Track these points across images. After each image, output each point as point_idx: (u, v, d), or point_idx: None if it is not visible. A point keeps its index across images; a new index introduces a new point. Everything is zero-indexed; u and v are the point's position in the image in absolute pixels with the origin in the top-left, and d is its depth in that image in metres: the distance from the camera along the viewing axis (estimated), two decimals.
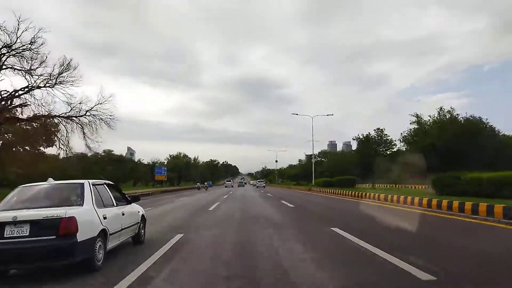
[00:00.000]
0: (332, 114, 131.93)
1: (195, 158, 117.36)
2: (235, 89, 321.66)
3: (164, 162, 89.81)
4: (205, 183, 64.59)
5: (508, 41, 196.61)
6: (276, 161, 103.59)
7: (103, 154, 68.31)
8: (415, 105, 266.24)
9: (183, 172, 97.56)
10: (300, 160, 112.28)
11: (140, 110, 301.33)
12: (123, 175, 70.20)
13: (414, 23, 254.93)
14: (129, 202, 6.80)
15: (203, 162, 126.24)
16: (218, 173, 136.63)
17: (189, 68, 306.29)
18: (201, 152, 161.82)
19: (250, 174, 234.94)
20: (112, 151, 74.22)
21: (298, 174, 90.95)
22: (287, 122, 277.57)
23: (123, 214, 5.99)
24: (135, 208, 7.05)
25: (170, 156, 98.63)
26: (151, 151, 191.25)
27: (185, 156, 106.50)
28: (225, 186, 71.25)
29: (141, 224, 7.04)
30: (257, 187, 63.66)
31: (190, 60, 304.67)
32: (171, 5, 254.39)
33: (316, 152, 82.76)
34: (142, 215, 7.23)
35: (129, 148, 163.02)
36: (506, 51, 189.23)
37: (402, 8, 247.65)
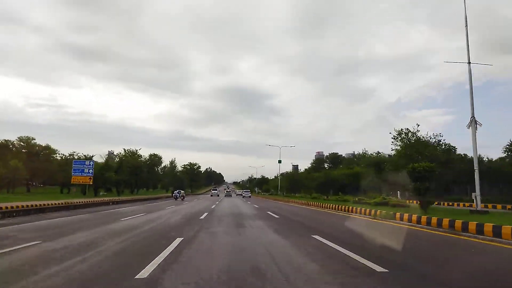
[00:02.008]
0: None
1: (171, 161, 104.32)
2: (224, 98, 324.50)
3: (92, 157, 54.95)
4: (175, 192, 51.82)
5: (492, 59, 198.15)
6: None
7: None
8: (401, 120, 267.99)
9: (147, 176, 75.33)
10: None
11: (127, 115, 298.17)
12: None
13: (403, 39, 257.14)
14: None
15: (182, 166, 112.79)
16: (200, 180, 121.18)
17: (179, 76, 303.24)
18: (187, 159, 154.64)
19: (235, 183, 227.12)
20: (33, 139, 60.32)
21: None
22: (275, 133, 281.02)
23: None
24: None
25: (125, 151, 68.81)
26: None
27: (155, 156, 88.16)
28: (211, 195, 71.79)
29: None
30: (243, 196, 67.46)
31: (180, 68, 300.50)
32: (164, 13, 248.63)
33: (305, 164, 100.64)
34: None
35: (109, 152, 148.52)
36: (489, 69, 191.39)
37: (391, 24, 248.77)
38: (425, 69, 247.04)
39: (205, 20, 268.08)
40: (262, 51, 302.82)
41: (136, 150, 68.65)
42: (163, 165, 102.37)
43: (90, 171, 41.61)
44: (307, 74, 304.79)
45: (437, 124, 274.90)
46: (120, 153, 68.65)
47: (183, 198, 47.49)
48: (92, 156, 55.30)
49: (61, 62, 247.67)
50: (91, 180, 40.97)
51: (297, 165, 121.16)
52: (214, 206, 29.37)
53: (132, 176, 61.83)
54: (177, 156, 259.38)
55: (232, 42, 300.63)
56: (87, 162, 43.63)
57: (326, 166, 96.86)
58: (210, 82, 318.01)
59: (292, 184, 70.92)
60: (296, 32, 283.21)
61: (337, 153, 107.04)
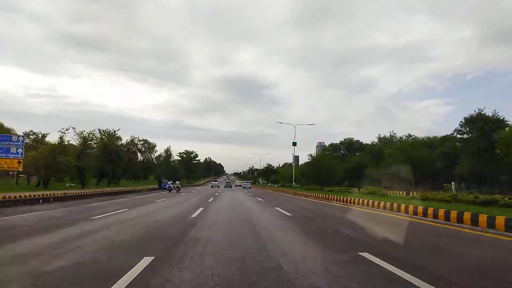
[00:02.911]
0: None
1: (167, 149, 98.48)
2: (223, 88, 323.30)
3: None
4: (168, 182, 47.75)
5: (493, 50, 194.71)
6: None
7: None
8: (402, 111, 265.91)
9: (128, 164, 60.28)
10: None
11: (126, 105, 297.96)
12: None
13: (404, 29, 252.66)
14: None
15: (178, 154, 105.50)
16: (197, 170, 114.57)
17: (178, 66, 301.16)
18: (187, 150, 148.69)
19: (236, 174, 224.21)
20: None
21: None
22: (275, 123, 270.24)
23: None
24: None
25: (100, 131, 50.17)
26: None
27: (145, 142, 74.83)
28: (211, 186, 71.94)
29: None
30: (243, 187, 67.34)
31: (179, 59, 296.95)
32: (163, 3, 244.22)
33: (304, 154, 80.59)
34: None
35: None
36: (490, 60, 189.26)
37: (393, 15, 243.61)
38: (426, 59, 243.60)
39: (205, 10, 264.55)
40: (262, 42, 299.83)
41: (115, 131, 51.34)
42: (157, 153, 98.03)
43: (19, 151, 27.00)
44: (307, 65, 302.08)
45: (438, 115, 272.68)
46: (91, 132, 46.35)
47: (179, 189, 43.59)
48: (45, 135, 40.05)
49: (60, 52, 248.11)
50: (21, 166, 27.19)
51: (298, 156, 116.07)
52: (211, 199, 24.96)
53: (107, 163, 47.62)
54: (176, 147, 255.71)
55: (231, 33, 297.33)
56: (14, 138, 28.34)
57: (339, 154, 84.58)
58: (209, 73, 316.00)
59: (316, 173, 52.64)
60: (296, 23, 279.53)
61: (353, 138, 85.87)
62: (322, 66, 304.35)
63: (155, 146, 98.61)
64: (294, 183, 52.51)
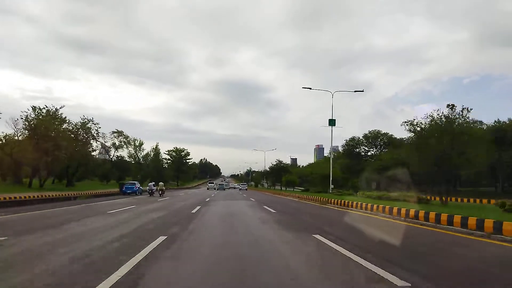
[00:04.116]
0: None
1: (155, 147, 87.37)
2: (221, 91, 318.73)
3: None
4: (151, 184, 38.37)
5: (489, 53, 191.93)
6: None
7: None
8: (399, 115, 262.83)
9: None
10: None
11: (123, 108, 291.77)
12: None
13: (401, 32, 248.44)
14: None
15: (166, 152, 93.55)
16: (188, 171, 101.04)
17: (175, 69, 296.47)
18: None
19: (233, 176, 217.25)
20: None
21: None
22: (272, 126, 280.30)
23: None
24: None
25: (34, 109, 36.98)
26: None
27: (96, 124, 47.41)
28: (207, 189, 70.84)
29: None
30: (240, 189, 67.72)
31: (176, 61, 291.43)
32: (160, 5, 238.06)
33: (303, 157, 66.46)
34: None
35: (103, 144, 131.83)
36: (487, 63, 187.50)
37: (389, 17, 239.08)
38: (423, 62, 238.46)
39: (202, 12, 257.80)
40: (259, 44, 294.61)
41: (56, 110, 37.80)
42: (144, 152, 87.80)
43: None
44: (304, 67, 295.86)
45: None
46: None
47: (162, 192, 34.76)
48: None
49: (56, 54, 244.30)
50: None
51: (296, 159, 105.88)
52: (197, 209, 15.42)
53: (38, 154, 32.78)
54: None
55: (228, 35, 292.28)
56: None
57: (361, 151, 71.64)
58: (206, 75, 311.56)
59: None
60: (293, 25, 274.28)
61: (380, 130, 69.44)
62: (319, 68, 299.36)
63: (141, 144, 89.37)
64: (331, 188, 33.43)
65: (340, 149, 78.60)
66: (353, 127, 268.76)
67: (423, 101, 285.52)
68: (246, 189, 69.62)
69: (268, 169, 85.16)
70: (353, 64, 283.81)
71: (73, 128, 42.46)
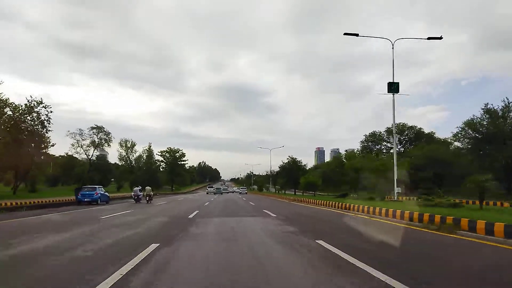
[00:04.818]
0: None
1: (148, 148, 76.89)
2: (220, 95, 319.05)
3: None
4: (137, 188, 30.89)
5: (488, 56, 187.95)
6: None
7: None
8: (398, 117, 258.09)
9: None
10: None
11: (122, 113, 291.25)
12: None
13: (400, 35, 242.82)
14: None
15: (159, 153, 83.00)
16: (183, 174, 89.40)
17: (174, 73, 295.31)
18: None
19: (233, 180, 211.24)
20: None
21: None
22: (272, 130, 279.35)
23: None
24: None
25: None
26: None
27: (47, 107, 37.09)
28: (207, 193, 68.01)
29: None
30: (240, 193, 64.88)
31: (175, 65, 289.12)
32: (159, 10, 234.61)
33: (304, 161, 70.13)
34: None
35: (101, 149, 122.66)
36: (486, 66, 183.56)
37: (388, 19, 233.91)
38: (421, 65, 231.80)
39: (201, 17, 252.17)
40: (258, 48, 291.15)
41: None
42: (137, 154, 77.98)
43: None
44: (303, 71, 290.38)
45: (433, 120, 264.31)
46: None
47: (149, 198, 29.00)
48: None
49: (55, 59, 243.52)
50: None
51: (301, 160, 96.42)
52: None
53: None
54: None
55: (227, 39, 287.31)
56: None
57: (382, 148, 61.81)
58: (205, 79, 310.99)
59: None
60: (292, 29, 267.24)
61: (406, 123, 60.01)
62: (319, 71, 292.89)
63: (134, 145, 79.46)
64: (398, 190, 23.19)
65: (358, 146, 66.40)
66: (353, 130, 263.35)
67: (422, 104, 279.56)
68: (246, 193, 67.01)
69: (279, 168, 69.16)
70: (351, 68, 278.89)
71: (15, 114, 31.68)
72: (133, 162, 78.31)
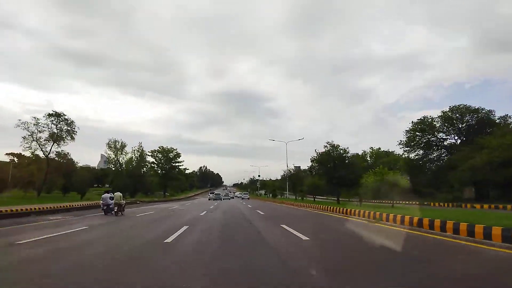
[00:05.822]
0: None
1: (137, 147, 66.20)
2: (221, 101, 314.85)
3: None
4: (107, 194, 22.09)
5: (488, 59, 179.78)
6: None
7: None
8: (400, 121, 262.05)
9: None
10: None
11: (124, 120, 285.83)
12: None
13: (401, 38, 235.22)
14: None
15: (150, 153, 71.70)
16: (179, 178, 76.53)
17: (175, 80, 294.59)
18: (185, 164, 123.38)
19: (236, 185, 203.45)
20: None
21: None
22: (274, 135, 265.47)
23: None
24: None
25: None
26: None
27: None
28: (208, 199, 63.54)
29: None
30: (242, 198, 67.30)
31: (176, 72, 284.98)
32: (158, 17, 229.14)
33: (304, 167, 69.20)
34: None
35: (102, 156, 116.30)
36: (486, 69, 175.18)
37: (389, 23, 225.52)
38: (423, 68, 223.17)
39: (201, 23, 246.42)
40: (259, 53, 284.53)
41: None
42: (128, 156, 68.02)
43: None
44: (304, 76, 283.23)
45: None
46: None
47: (118, 209, 20.90)
48: None
49: (56, 67, 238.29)
50: None
51: (299, 166, 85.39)
52: None
53: None
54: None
55: (228, 45, 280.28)
56: None
57: (431, 140, 49.95)
58: (206, 85, 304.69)
59: None
60: (292, 33, 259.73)
61: (469, 105, 47.67)
62: (320, 76, 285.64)
63: (124, 146, 69.37)
64: None
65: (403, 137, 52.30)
66: (351, 135, 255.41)
67: (424, 108, 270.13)
68: (248, 198, 67.51)
69: (313, 161, 42.88)
70: (353, 71, 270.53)
71: None
72: (123, 165, 68.71)
